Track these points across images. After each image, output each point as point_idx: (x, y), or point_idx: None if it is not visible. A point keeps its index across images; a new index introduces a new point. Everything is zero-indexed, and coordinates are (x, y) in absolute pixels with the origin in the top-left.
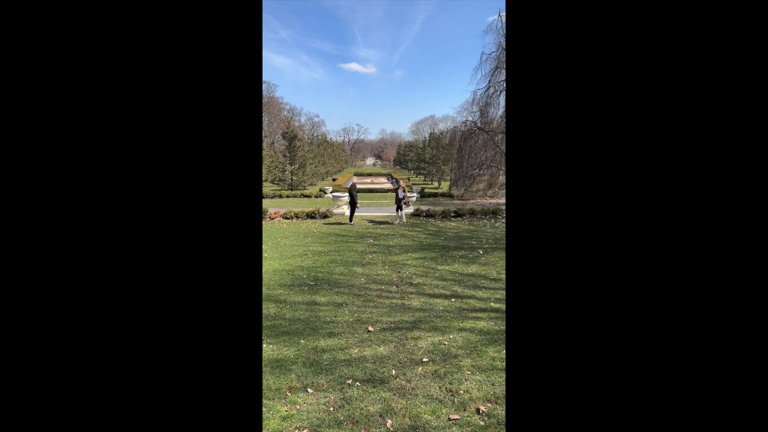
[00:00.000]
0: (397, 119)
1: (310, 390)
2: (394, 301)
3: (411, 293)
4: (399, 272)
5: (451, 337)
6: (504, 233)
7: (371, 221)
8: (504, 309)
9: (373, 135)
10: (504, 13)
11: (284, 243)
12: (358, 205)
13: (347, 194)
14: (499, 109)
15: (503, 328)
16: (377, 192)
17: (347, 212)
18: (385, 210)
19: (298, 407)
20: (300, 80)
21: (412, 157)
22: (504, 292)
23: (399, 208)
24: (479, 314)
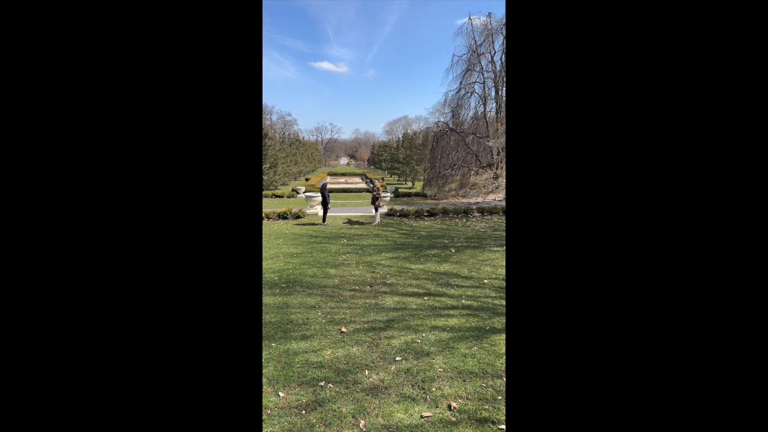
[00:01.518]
0: (371, 119)
1: (281, 394)
2: (367, 301)
3: (385, 293)
4: (373, 272)
5: (424, 335)
6: (475, 232)
7: (345, 221)
8: (475, 306)
9: (346, 134)
10: (474, 16)
11: None
12: (330, 204)
13: (320, 194)
14: (469, 110)
15: (474, 324)
16: (351, 192)
17: (320, 212)
18: (359, 210)
19: (269, 412)
20: (272, 78)
21: (386, 157)
22: (475, 290)
23: (376, 208)
24: (451, 312)
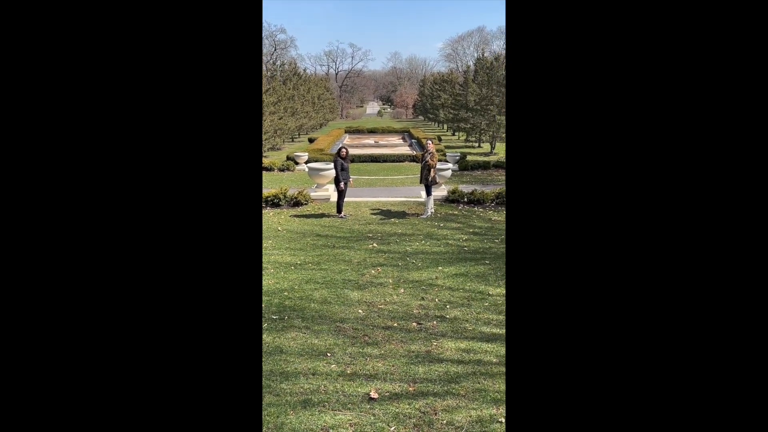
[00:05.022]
0: (420, 36)
1: None
2: (413, 347)
3: (443, 334)
4: (423, 298)
5: None
6: None
7: (376, 212)
8: None
9: (378, 63)
10: None
11: None
12: (350, 183)
13: (333, 166)
14: None
15: None
16: (386, 161)
17: (334, 197)
18: (398, 192)
19: None
20: None
21: (446, 101)
22: None
23: (429, 190)
24: None
